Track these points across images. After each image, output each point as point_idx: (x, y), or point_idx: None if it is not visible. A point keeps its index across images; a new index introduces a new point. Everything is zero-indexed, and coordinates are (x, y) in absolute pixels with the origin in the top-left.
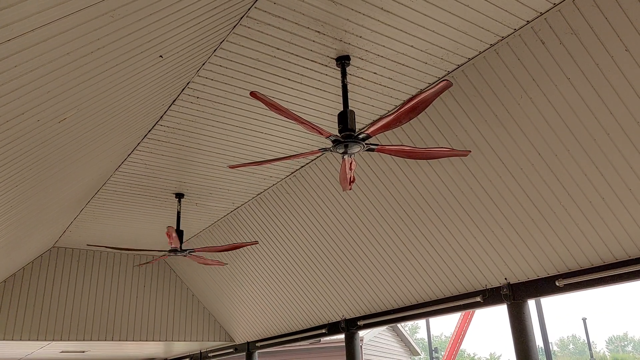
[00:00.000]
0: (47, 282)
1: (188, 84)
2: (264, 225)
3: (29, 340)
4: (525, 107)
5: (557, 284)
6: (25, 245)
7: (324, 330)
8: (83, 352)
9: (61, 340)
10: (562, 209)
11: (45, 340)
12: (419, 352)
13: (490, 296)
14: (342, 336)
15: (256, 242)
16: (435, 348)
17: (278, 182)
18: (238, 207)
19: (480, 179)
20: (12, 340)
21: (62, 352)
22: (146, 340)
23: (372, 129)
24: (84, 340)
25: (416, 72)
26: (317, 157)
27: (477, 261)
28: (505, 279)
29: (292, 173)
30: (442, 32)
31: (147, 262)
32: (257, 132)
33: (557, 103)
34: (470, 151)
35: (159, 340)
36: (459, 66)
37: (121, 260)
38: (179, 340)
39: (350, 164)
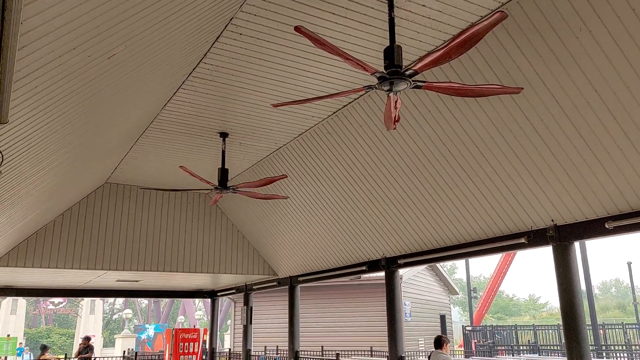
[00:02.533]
0: (102, 216)
1: (231, 19)
2: (307, 165)
3: (87, 269)
4: (584, 41)
5: (607, 226)
6: (79, 181)
7: (364, 268)
8: (137, 281)
9: (116, 270)
10: (616, 149)
11: (102, 269)
12: (457, 291)
13: (535, 237)
14: (382, 274)
15: (285, 176)
16: (474, 288)
17: (320, 121)
18: (280, 147)
19: (531, 117)
20: (72, 269)
21: (118, 280)
22: (195, 272)
23: (419, 65)
24: (137, 270)
25: (467, 4)
26: (361, 95)
27: (523, 202)
28: (552, 220)
29: (335, 112)
30: None
31: (212, 198)
32: (301, 69)
33: (619, 37)
34: (522, 88)
35: (207, 272)
36: None
37: (169, 197)
38: (225, 273)
39: (396, 102)
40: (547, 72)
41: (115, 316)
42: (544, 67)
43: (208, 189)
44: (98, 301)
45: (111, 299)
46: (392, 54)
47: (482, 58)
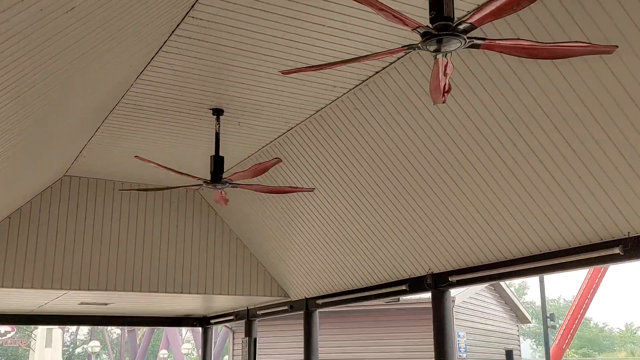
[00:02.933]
0: (60, 218)
1: None
2: (326, 151)
3: (41, 288)
4: None
5: None
6: (30, 173)
7: (404, 287)
8: (106, 304)
9: (79, 289)
10: None
11: (60, 289)
12: (529, 318)
13: (633, 246)
14: (427, 295)
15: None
16: (551, 315)
17: (345, 93)
18: (293, 127)
19: (627, 83)
20: (22, 288)
21: (82, 303)
22: (181, 293)
23: (477, 16)
24: (106, 290)
25: None
26: (399, 58)
27: (618, 200)
28: None
29: (364, 82)
30: None
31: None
32: (319, 25)
33: None
34: (616, 46)
35: (197, 293)
36: None
37: (147, 193)
38: (220, 294)
39: (446, 66)
40: None
41: (78, 349)
42: None
43: (197, 185)
44: (56, 330)
45: (73, 328)
46: (440, 2)
47: (563, 8)
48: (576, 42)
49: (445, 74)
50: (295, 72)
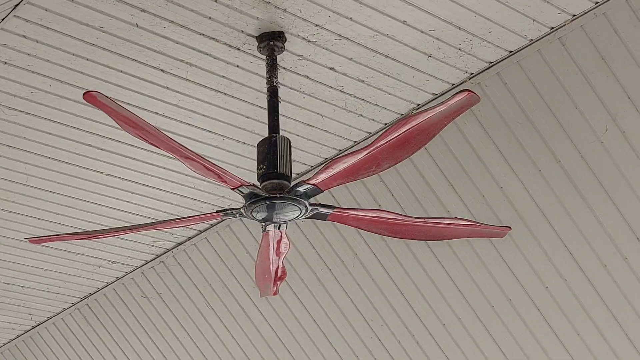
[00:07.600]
0: None
1: None
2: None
3: None
4: None
5: None
6: None
7: None
8: None
9: None
10: None
11: None
12: None
13: None
14: None
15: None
16: None
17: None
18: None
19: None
20: None
21: None
22: None
23: (323, 176)
24: None
25: None
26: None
27: None
28: None
29: (158, 257)
30: None
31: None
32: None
33: None
34: (509, 228)
35: None
36: None
37: None
38: None
39: (279, 242)
40: None
41: None
42: None
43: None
44: None
45: None
46: (273, 153)
47: None
48: (457, 219)
49: (278, 254)
50: (47, 240)
